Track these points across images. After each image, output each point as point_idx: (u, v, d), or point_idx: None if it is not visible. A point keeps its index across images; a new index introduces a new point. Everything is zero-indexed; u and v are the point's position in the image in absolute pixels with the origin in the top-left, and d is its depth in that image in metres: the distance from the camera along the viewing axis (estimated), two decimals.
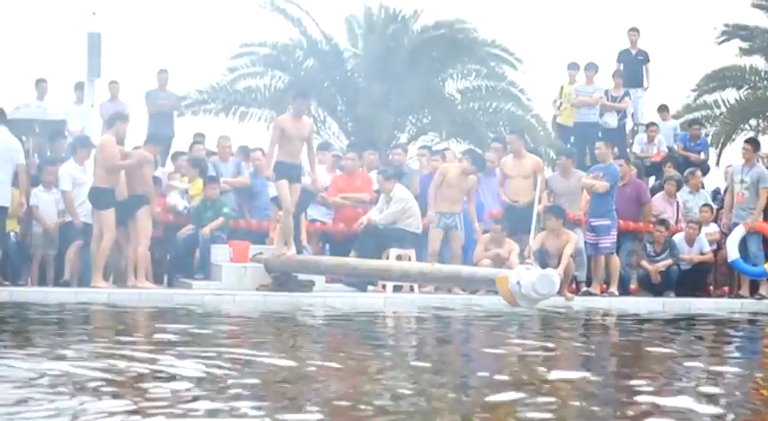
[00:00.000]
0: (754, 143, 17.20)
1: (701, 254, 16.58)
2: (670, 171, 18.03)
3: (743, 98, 25.08)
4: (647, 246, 16.45)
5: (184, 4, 41.82)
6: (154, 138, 16.11)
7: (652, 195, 17.42)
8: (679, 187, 17.50)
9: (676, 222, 17.03)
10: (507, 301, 10.86)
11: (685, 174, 17.88)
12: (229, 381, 6.90)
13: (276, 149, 14.48)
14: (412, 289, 15.31)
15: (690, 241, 16.51)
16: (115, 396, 6.31)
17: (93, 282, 14.32)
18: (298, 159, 14.54)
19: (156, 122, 18.83)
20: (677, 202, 17.34)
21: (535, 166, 16.05)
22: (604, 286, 15.87)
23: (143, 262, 14.67)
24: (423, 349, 9.97)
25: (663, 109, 21.07)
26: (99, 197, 14.44)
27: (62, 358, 7.80)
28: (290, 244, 14.48)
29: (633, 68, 20.18)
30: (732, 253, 16.26)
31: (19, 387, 6.40)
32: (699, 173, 17.98)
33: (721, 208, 17.17)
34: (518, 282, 10.46)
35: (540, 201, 15.54)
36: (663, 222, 16.45)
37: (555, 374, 7.65)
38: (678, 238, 16.54)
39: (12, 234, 14.55)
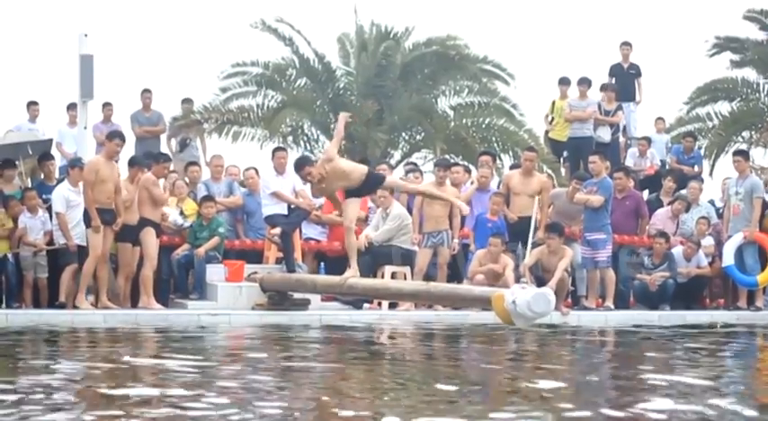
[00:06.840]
0: (743, 154, 17.44)
1: (698, 267, 16.55)
2: (671, 185, 17.91)
3: (735, 110, 25.13)
4: (646, 258, 16.42)
5: (176, 25, 41.95)
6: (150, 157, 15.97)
7: (647, 208, 17.37)
8: (687, 208, 17.34)
9: (674, 234, 16.97)
10: (503, 321, 10.83)
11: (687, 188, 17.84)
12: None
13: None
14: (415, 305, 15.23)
15: (688, 257, 16.49)
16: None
17: (76, 302, 14.29)
18: (356, 182, 13.13)
19: (143, 143, 18.79)
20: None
21: (542, 185, 16.16)
22: (600, 300, 15.83)
23: (147, 283, 14.71)
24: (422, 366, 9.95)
25: (659, 120, 21.14)
26: (84, 216, 14.46)
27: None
28: (352, 262, 13.44)
29: (625, 82, 20.19)
30: (727, 258, 16.26)
31: None
32: (695, 184, 17.94)
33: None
34: (513, 301, 10.42)
35: (538, 218, 15.58)
36: (663, 235, 16.41)
37: (546, 384, 7.67)
38: (675, 251, 16.51)
39: (8, 255, 14.48)
